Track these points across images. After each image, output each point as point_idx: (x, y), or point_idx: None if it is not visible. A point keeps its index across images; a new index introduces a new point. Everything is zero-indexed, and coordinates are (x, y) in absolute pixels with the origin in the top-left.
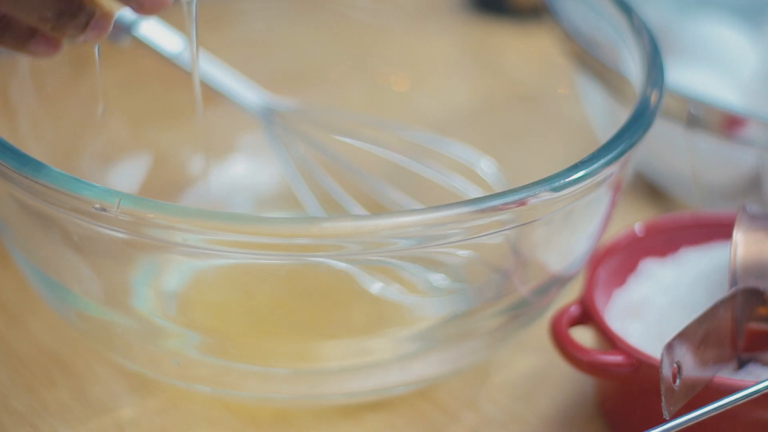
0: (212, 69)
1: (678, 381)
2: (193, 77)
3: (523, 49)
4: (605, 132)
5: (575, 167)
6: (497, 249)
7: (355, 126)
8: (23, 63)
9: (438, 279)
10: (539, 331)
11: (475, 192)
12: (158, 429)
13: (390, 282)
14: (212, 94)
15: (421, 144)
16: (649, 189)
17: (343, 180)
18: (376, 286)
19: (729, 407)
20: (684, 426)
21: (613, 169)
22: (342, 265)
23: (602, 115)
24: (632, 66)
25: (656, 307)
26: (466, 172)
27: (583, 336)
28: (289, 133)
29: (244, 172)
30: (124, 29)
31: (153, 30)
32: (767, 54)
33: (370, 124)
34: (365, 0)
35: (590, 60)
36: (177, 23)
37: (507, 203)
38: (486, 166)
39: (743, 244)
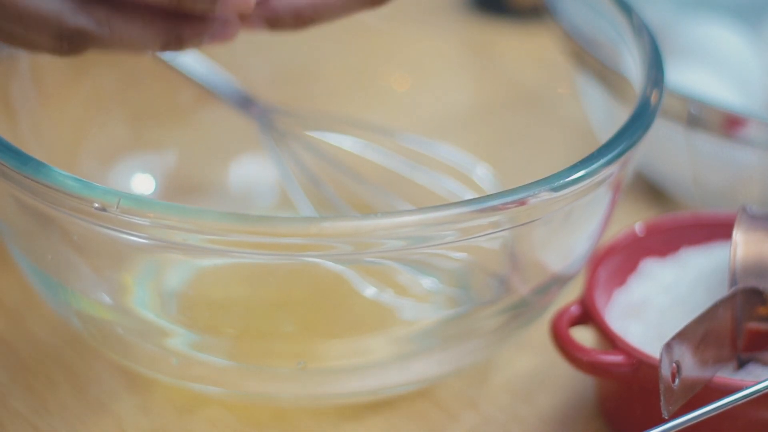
0: (209, 71)
1: (677, 381)
2: None
3: (523, 49)
4: (605, 132)
5: (575, 167)
6: (497, 249)
7: (350, 130)
8: (23, 63)
9: (438, 281)
10: (539, 331)
11: (473, 195)
12: (158, 429)
13: (388, 286)
14: (209, 96)
15: (418, 149)
16: (649, 189)
17: (338, 184)
18: (371, 290)
19: (729, 407)
20: (684, 426)
21: (613, 169)
22: (340, 267)
23: (602, 115)
24: (632, 66)
25: (656, 307)
26: (463, 176)
27: (583, 336)
28: (285, 136)
29: (241, 174)
30: None
31: None
32: (766, 54)
33: (366, 128)
34: None
35: (590, 60)
36: None
37: (507, 203)
38: (483, 170)
39: (743, 244)
